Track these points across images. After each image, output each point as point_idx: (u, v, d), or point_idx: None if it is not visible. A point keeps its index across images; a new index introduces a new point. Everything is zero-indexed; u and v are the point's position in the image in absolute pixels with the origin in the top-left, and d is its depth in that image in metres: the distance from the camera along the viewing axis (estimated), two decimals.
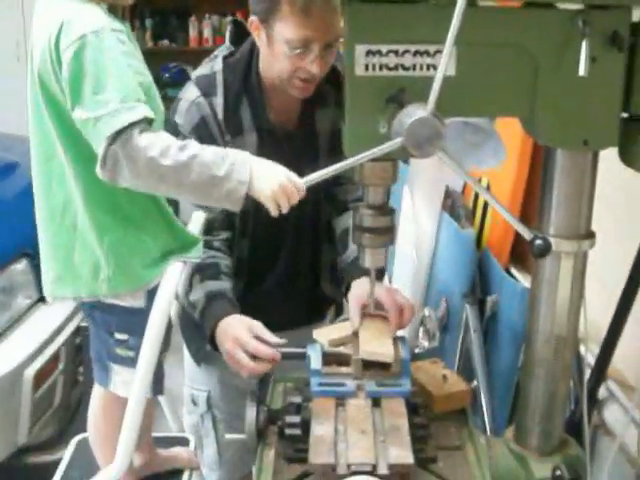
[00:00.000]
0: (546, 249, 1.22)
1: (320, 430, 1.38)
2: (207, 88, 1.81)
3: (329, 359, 1.55)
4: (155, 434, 1.80)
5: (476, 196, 2.91)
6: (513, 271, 2.56)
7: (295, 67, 1.71)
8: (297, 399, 1.59)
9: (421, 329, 2.39)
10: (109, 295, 1.56)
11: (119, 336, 1.60)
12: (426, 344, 2.39)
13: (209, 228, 1.76)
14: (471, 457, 1.55)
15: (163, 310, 1.42)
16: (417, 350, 2.38)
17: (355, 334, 1.59)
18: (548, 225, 1.44)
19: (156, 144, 1.37)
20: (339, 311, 2.24)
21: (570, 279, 1.44)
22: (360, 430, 1.37)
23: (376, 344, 1.51)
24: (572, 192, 1.41)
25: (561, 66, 1.28)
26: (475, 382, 2.27)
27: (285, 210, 1.38)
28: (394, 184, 1.40)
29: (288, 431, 1.51)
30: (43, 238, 1.61)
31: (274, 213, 1.38)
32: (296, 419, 1.51)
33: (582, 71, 1.23)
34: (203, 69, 1.87)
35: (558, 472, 1.45)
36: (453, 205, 2.65)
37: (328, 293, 2.12)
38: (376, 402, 1.47)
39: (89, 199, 1.51)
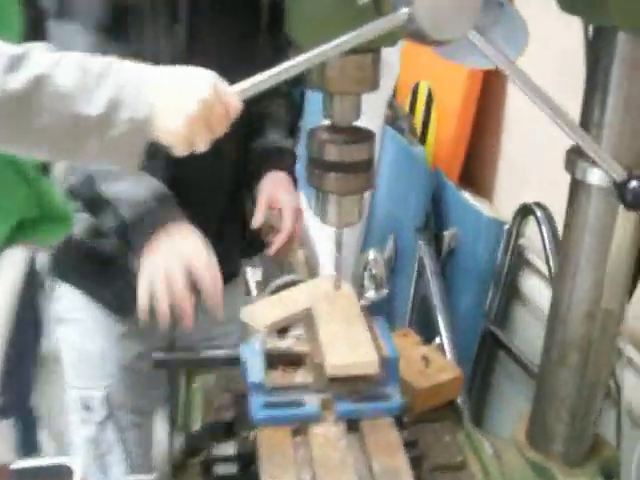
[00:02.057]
0: None
1: None
2: None
3: (274, 359, 1.04)
4: (20, 464, 1.24)
5: (412, 105, 2.40)
6: (466, 196, 2.09)
7: None
8: (229, 413, 1.10)
9: (366, 275, 1.91)
10: None
11: None
12: (373, 293, 1.91)
13: None
14: (478, 477, 1.10)
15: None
16: (362, 302, 1.89)
17: (307, 313, 1.08)
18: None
19: None
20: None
21: (630, 231, 0.98)
22: None
23: (346, 347, 0.99)
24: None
25: None
26: (437, 339, 1.82)
27: (203, 149, 0.86)
28: (373, 91, 0.88)
29: (219, 470, 1.01)
30: None
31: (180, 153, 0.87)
32: (228, 449, 1.02)
33: None
34: None
35: None
36: (395, 117, 2.13)
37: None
38: (353, 425, 0.98)
39: None
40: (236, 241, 1.49)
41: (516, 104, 2.01)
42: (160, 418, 1.07)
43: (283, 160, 1.40)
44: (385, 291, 1.94)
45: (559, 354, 1.10)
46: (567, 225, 1.04)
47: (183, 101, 0.84)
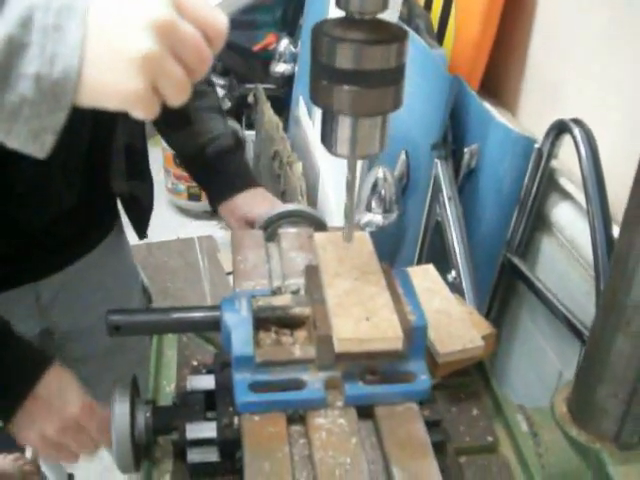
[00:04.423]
0: None
1: None
2: None
3: (263, 321, 0.81)
4: None
5: (428, 1, 2.11)
6: (487, 107, 1.82)
7: None
8: (206, 381, 0.88)
9: (374, 198, 1.68)
10: None
11: None
12: (380, 217, 1.68)
13: None
14: (513, 463, 0.91)
15: None
16: (368, 229, 1.67)
17: (309, 265, 0.85)
18: None
19: None
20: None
21: None
22: None
23: (360, 313, 0.76)
24: None
25: None
26: (453, 273, 1.60)
27: (180, 101, 0.59)
28: None
29: (194, 456, 0.81)
30: None
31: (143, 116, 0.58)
32: (207, 431, 0.81)
33: None
34: None
35: None
36: (410, 13, 1.84)
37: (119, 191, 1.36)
38: (366, 412, 0.77)
39: None
40: (105, 188, 1.32)
41: (550, 4, 1.74)
42: (120, 387, 0.87)
43: (241, 171, 1.28)
44: (394, 215, 1.71)
45: (619, 319, 0.88)
46: None
47: (124, 34, 0.54)
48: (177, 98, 0.58)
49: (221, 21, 0.57)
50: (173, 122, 1.31)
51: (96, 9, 0.54)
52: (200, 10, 0.56)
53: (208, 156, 1.30)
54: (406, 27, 1.79)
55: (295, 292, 0.86)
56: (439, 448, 0.80)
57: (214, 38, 0.57)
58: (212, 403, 0.86)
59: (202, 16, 0.56)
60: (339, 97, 0.65)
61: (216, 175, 1.30)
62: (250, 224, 1.26)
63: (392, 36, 0.64)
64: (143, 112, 0.57)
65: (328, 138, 0.69)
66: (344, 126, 0.67)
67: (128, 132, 1.24)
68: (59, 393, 0.97)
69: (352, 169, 0.72)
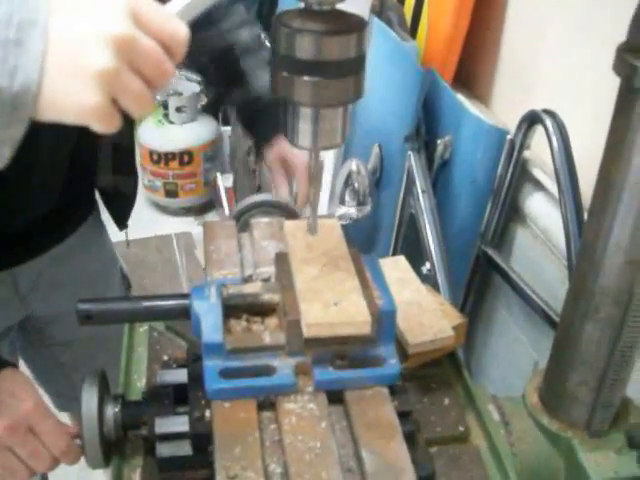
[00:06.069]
0: None
1: None
2: None
3: (233, 308, 0.81)
4: None
5: None
6: (461, 99, 1.83)
7: None
8: (176, 375, 0.88)
9: (347, 191, 1.67)
10: None
11: None
12: (354, 210, 1.68)
13: None
14: (484, 452, 0.91)
15: None
16: (342, 222, 1.66)
17: (279, 253, 0.84)
18: None
19: None
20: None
21: None
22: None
23: (329, 299, 0.76)
24: None
25: None
26: (427, 265, 1.61)
27: (145, 114, 0.59)
28: None
29: (163, 450, 0.81)
30: None
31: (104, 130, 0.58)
32: (177, 426, 0.81)
33: None
34: None
35: None
36: (382, 6, 1.84)
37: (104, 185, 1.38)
38: (335, 396, 0.77)
39: None
40: (87, 180, 1.33)
41: None
42: (89, 382, 0.86)
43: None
44: (368, 207, 1.71)
45: (588, 306, 0.88)
46: (610, 145, 0.81)
47: (83, 49, 0.54)
48: (139, 110, 0.58)
49: (181, 31, 0.57)
50: (229, 81, 1.40)
51: (56, 24, 0.55)
52: (159, 22, 0.56)
53: (259, 105, 1.36)
54: (378, 20, 1.79)
55: (266, 280, 0.86)
56: (410, 438, 0.81)
57: (174, 48, 0.58)
58: (182, 397, 0.85)
59: (161, 28, 0.56)
60: (299, 88, 0.65)
61: (264, 118, 1.37)
62: (286, 167, 1.35)
63: (351, 26, 0.64)
64: (102, 126, 0.57)
65: (290, 130, 0.69)
66: (305, 117, 0.67)
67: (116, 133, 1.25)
68: (12, 392, 0.91)
69: (315, 161, 0.72)
